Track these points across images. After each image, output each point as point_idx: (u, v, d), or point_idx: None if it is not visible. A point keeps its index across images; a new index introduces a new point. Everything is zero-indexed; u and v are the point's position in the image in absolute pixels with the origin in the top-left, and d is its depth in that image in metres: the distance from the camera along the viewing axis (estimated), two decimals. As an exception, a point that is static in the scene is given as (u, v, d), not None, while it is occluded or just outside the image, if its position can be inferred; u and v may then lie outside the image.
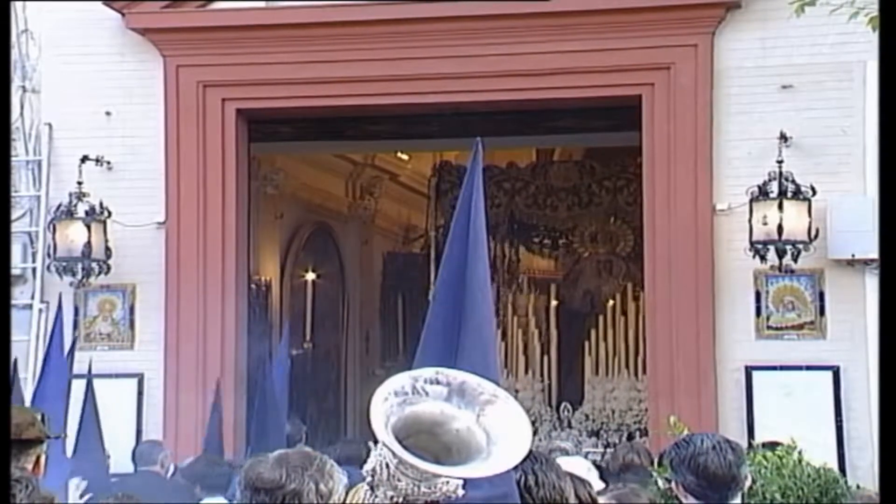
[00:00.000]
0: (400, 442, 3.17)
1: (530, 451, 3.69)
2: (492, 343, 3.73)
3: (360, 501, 3.37)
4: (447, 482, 3.22)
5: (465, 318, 3.60)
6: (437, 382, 3.28)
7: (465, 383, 3.29)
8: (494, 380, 3.52)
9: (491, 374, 3.55)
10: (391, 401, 3.22)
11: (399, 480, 3.21)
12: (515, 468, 3.61)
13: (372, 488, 3.27)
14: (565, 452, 9.50)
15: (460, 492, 3.24)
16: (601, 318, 16.36)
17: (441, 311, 3.66)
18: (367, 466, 3.29)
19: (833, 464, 8.04)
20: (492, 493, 3.47)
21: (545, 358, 16.36)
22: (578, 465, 6.51)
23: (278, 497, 3.71)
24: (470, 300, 3.60)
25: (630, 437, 14.82)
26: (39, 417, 4.86)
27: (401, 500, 3.22)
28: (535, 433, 15.36)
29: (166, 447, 10.29)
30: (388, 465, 3.22)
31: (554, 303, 16.94)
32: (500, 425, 3.26)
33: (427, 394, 3.25)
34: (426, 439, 3.24)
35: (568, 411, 15.85)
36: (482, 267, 3.64)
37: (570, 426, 15.70)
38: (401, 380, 3.28)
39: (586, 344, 16.17)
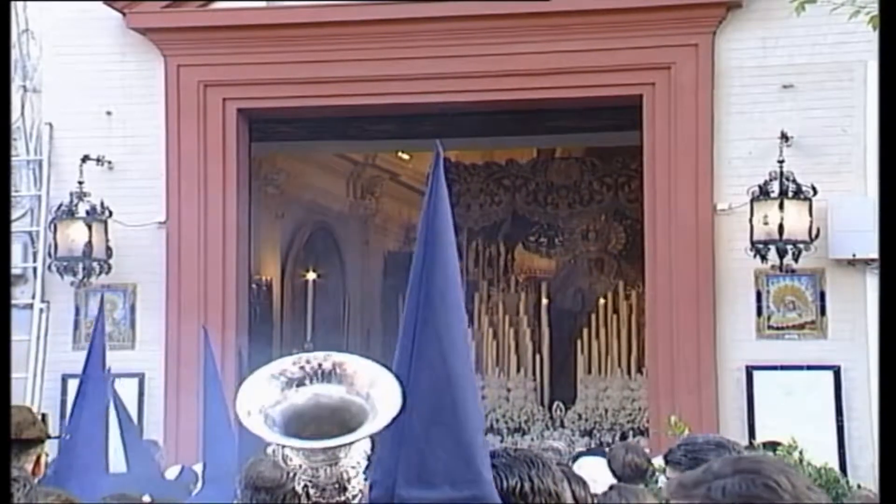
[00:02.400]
0: (296, 435, 3.20)
1: (527, 456, 3.65)
2: (454, 346, 3.62)
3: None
4: (336, 460, 3.23)
5: (423, 324, 3.55)
6: (300, 369, 3.32)
7: (317, 362, 3.33)
8: (458, 383, 3.47)
9: (452, 377, 3.48)
10: (265, 398, 3.25)
11: (291, 460, 3.24)
12: (512, 473, 3.57)
13: (294, 475, 3.29)
14: (558, 452, 9.48)
15: (362, 463, 3.25)
16: (593, 317, 16.24)
17: (406, 318, 3.63)
18: (269, 449, 3.33)
19: (834, 464, 8.06)
20: (454, 494, 3.42)
21: (537, 356, 16.21)
22: (598, 466, 6.50)
23: (279, 496, 3.72)
24: (427, 306, 3.56)
25: (623, 437, 14.72)
26: (40, 417, 4.86)
27: (308, 482, 3.23)
28: (526, 432, 15.32)
29: (161, 447, 10.26)
30: (282, 447, 3.26)
31: (545, 301, 16.80)
32: (362, 381, 3.31)
33: (295, 382, 3.29)
34: (328, 427, 3.27)
35: (560, 410, 15.70)
36: (440, 272, 3.59)
37: (562, 425, 15.55)
38: (265, 377, 3.31)
39: (578, 342, 16.02)
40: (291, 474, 3.45)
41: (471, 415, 3.51)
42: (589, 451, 11.54)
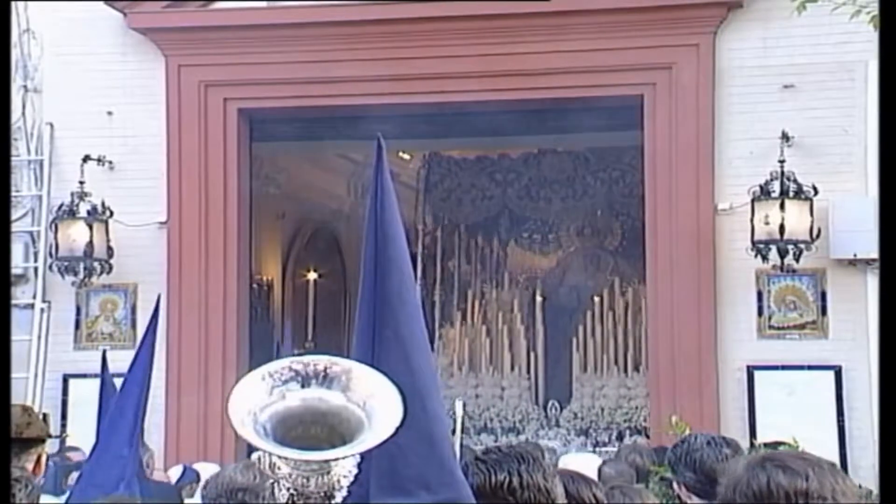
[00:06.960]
0: (283, 439, 3.15)
1: (518, 451, 3.62)
2: (417, 347, 3.58)
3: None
4: (328, 469, 3.17)
5: (382, 326, 3.50)
6: (295, 372, 3.24)
7: (318, 366, 3.24)
8: (424, 385, 3.44)
9: (417, 379, 3.44)
10: (255, 400, 3.19)
11: (280, 469, 3.19)
12: (501, 468, 3.55)
13: (276, 482, 3.24)
14: (553, 452, 9.48)
15: (353, 472, 3.19)
16: (589, 314, 16.03)
17: (361, 321, 3.57)
18: (253, 456, 3.27)
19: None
20: (430, 499, 3.35)
21: (532, 354, 15.94)
22: (589, 463, 6.49)
23: (261, 491, 3.71)
24: (385, 307, 3.51)
25: (620, 436, 14.61)
26: (41, 417, 4.86)
27: (294, 491, 3.19)
28: (521, 432, 15.20)
29: (150, 447, 10.16)
30: (269, 455, 3.20)
31: (540, 298, 16.58)
32: (368, 395, 3.21)
33: (288, 384, 3.22)
34: (315, 430, 3.21)
35: (556, 409, 15.47)
36: (395, 271, 3.53)
37: (557, 425, 15.36)
38: (257, 379, 3.24)
39: (574, 340, 15.69)
40: (268, 479, 3.42)
41: (439, 417, 3.50)
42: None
